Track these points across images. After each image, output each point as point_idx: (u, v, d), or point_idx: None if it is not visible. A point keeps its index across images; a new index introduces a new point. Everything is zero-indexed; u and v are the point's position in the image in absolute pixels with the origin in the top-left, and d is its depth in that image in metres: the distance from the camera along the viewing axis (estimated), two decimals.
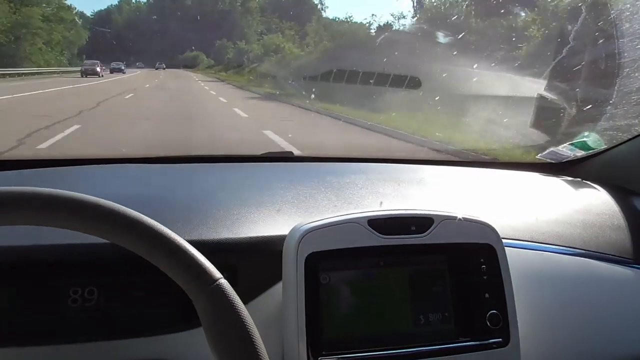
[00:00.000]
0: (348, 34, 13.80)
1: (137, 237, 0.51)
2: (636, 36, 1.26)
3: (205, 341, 0.50)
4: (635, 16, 1.30)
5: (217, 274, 0.51)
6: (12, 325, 0.66)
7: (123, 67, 17.85)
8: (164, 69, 18.80)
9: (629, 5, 1.34)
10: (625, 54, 1.29)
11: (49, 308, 0.67)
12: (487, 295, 0.71)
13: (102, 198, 0.51)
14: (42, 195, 0.50)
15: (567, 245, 0.90)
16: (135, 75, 18.08)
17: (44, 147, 4.50)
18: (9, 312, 0.66)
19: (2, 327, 0.66)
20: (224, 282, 0.51)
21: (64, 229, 0.51)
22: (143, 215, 0.51)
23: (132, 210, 0.51)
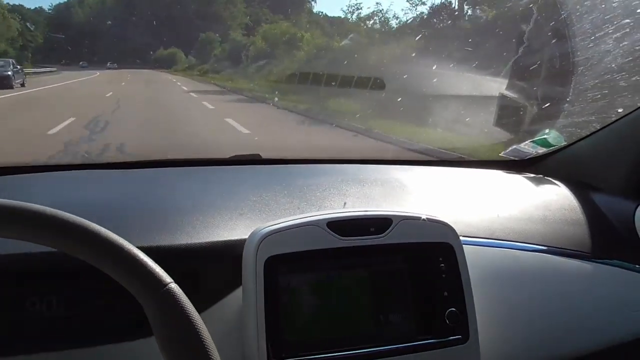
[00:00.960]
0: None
1: (81, 243, 0.50)
2: (587, 35, 1.32)
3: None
4: (584, 16, 1.36)
5: (167, 278, 0.51)
6: None
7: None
8: (115, 68, 14.34)
9: (578, 7, 1.39)
10: (579, 53, 1.34)
11: (6, 317, 0.66)
12: (445, 293, 0.72)
13: (52, 206, 0.50)
14: None
15: (526, 241, 0.92)
16: (87, 81, 12.97)
17: None
18: None
19: None
20: (174, 286, 0.50)
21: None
22: (87, 221, 0.50)
23: (75, 216, 0.50)
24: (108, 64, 14.71)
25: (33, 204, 0.50)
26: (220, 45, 13.14)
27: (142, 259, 0.51)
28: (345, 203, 0.94)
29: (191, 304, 0.50)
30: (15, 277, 0.67)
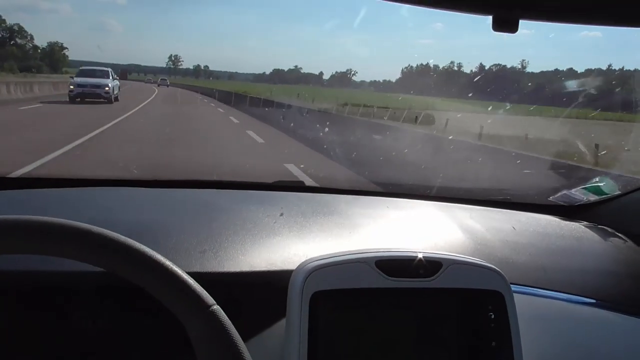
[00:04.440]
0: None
1: (125, 262, 0.50)
2: None
3: None
4: None
5: (210, 300, 0.51)
6: (13, 350, 0.66)
7: None
8: None
9: None
10: None
11: (53, 334, 0.67)
12: (494, 343, 0.69)
13: (94, 222, 0.51)
14: (31, 224, 0.50)
15: (578, 293, 0.88)
16: None
17: None
18: (12, 337, 0.66)
19: (7, 354, 0.65)
20: (217, 308, 0.51)
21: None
22: (131, 240, 0.51)
23: (120, 235, 0.51)
24: None
25: (80, 223, 0.51)
26: None
27: (186, 280, 0.51)
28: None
29: (233, 327, 0.50)
30: (63, 293, 0.68)
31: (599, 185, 1.22)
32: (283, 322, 0.67)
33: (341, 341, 0.66)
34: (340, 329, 0.66)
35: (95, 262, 0.51)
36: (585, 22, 0.53)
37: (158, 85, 36.35)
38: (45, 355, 0.66)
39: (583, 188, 1.27)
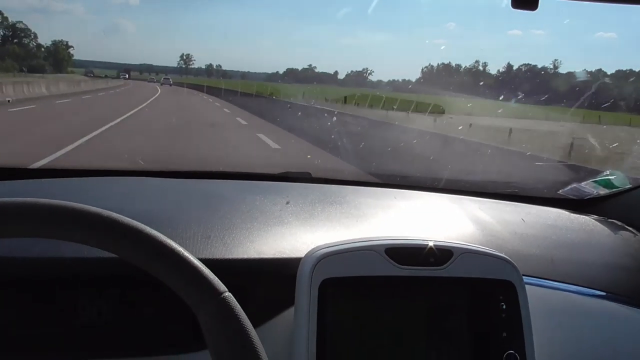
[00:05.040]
0: None
1: (134, 246, 0.49)
2: None
3: None
4: None
5: (222, 287, 0.50)
6: (19, 339, 0.66)
7: None
8: None
9: None
10: None
11: (56, 323, 0.67)
12: (504, 334, 0.68)
13: (109, 210, 0.50)
14: (43, 206, 0.49)
15: (588, 285, 0.87)
16: None
17: None
18: (15, 325, 0.66)
19: (8, 341, 0.65)
20: (228, 295, 0.50)
21: (70, 243, 0.50)
22: (142, 224, 0.50)
23: (132, 220, 0.50)
24: None
25: (90, 206, 0.50)
26: None
27: (198, 266, 0.50)
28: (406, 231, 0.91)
29: (245, 314, 0.50)
30: (69, 281, 0.68)
31: (609, 179, 1.21)
32: (292, 309, 0.67)
33: (350, 329, 0.65)
34: (349, 316, 0.66)
35: (104, 245, 0.50)
36: None
37: (161, 85, 36.70)
38: (44, 347, 0.66)
39: (593, 181, 1.25)
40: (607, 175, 1.23)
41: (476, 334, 0.68)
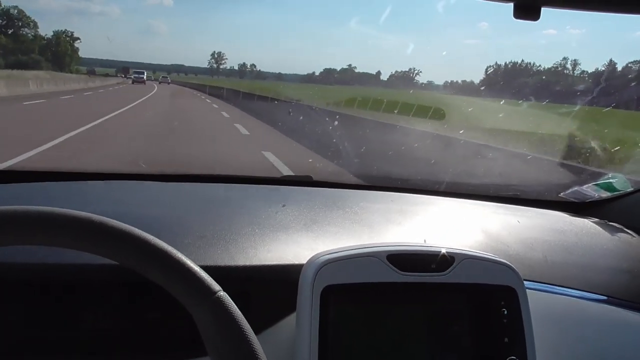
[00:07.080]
0: None
1: (128, 249, 0.49)
2: None
3: None
4: None
5: (216, 286, 0.50)
6: (23, 344, 0.65)
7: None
8: None
9: None
10: None
11: (61, 328, 0.67)
12: (506, 339, 0.68)
13: (102, 214, 0.50)
14: (36, 214, 0.48)
15: (588, 289, 0.87)
16: None
17: None
18: (20, 330, 0.66)
19: (13, 346, 0.65)
20: (223, 294, 0.50)
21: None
22: (135, 228, 0.50)
23: (123, 224, 0.50)
24: None
25: (79, 212, 0.49)
26: None
27: (191, 267, 0.50)
28: (425, 240, 0.89)
29: (241, 313, 0.49)
30: (69, 287, 0.68)
31: (610, 182, 1.21)
32: (293, 315, 0.67)
33: (352, 335, 0.65)
34: (351, 323, 0.65)
35: (96, 250, 0.49)
36: (606, 9, 0.51)
37: (159, 83, 36.88)
38: (48, 352, 0.66)
39: (594, 184, 1.25)
40: (608, 178, 1.23)
41: (478, 339, 0.68)
